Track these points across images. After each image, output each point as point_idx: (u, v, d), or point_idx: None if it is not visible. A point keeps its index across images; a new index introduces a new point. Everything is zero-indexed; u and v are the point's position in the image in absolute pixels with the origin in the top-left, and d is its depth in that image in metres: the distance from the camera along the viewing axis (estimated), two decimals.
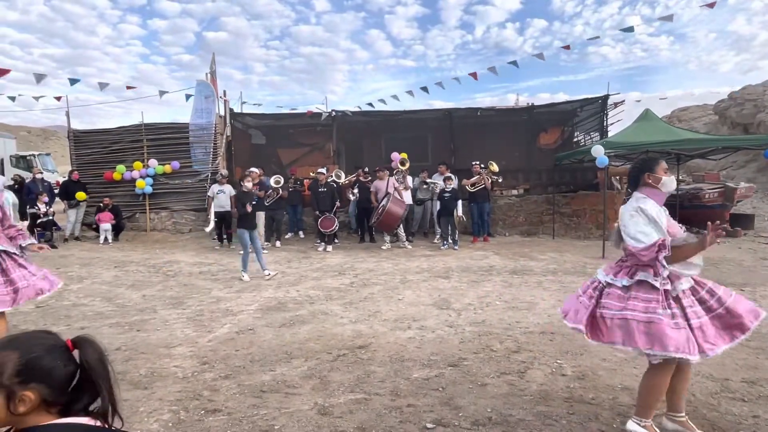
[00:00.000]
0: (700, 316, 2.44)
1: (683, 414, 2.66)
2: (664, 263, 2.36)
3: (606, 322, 2.50)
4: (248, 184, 7.59)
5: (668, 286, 2.45)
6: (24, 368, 1.07)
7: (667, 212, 2.63)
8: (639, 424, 2.55)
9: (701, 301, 2.49)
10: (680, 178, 11.23)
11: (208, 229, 10.66)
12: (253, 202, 7.40)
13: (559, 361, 3.75)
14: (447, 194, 9.87)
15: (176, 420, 2.91)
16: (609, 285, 2.59)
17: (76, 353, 1.15)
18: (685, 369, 2.60)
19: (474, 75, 12.94)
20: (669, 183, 2.64)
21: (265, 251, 9.70)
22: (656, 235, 2.43)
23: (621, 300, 2.49)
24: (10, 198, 3.90)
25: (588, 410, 2.94)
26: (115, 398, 1.16)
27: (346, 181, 11.46)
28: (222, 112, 13.05)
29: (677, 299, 2.46)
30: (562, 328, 4.55)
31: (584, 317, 2.57)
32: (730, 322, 2.45)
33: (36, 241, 4.08)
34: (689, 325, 2.39)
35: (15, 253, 3.71)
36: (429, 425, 2.78)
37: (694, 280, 2.56)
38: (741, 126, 21.06)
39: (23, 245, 3.84)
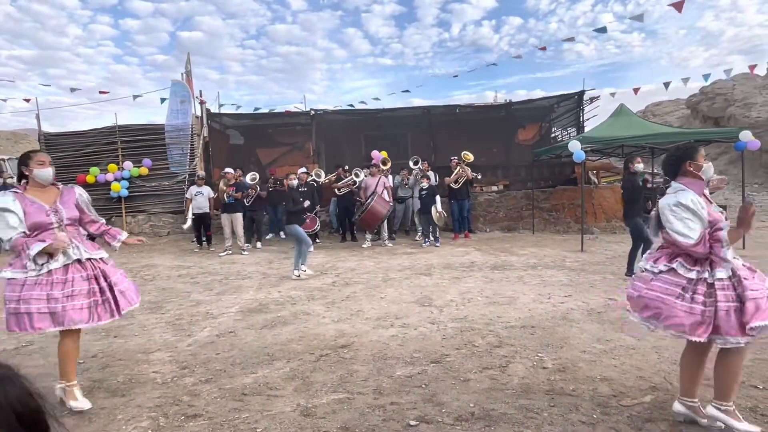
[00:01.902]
0: (730, 302, 2.41)
1: (696, 400, 2.70)
2: (724, 256, 2.41)
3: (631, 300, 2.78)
4: (294, 182, 7.67)
5: (705, 275, 2.48)
6: None
7: (708, 199, 2.67)
8: (719, 409, 2.57)
9: (734, 287, 2.46)
10: (654, 171, 11.46)
11: (185, 227, 10.50)
12: (301, 199, 7.54)
13: (539, 354, 3.79)
14: (425, 192, 9.91)
15: (155, 427, 2.85)
16: (644, 270, 2.75)
17: None
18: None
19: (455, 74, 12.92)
20: (709, 169, 2.69)
21: (245, 252, 9.62)
22: (700, 228, 2.49)
23: (646, 282, 2.69)
24: (84, 194, 3.34)
25: (569, 402, 2.98)
26: None
27: (326, 180, 11.42)
28: (198, 113, 12.87)
29: (711, 285, 2.46)
30: (542, 322, 4.61)
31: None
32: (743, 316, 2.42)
33: (126, 234, 3.56)
34: (716, 309, 2.41)
35: (101, 259, 3.22)
36: (412, 422, 2.78)
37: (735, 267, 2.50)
38: (712, 119, 21.62)
39: (121, 239, 3.41)
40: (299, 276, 7.10)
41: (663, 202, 2.64)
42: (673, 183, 2.71)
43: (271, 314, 5.21)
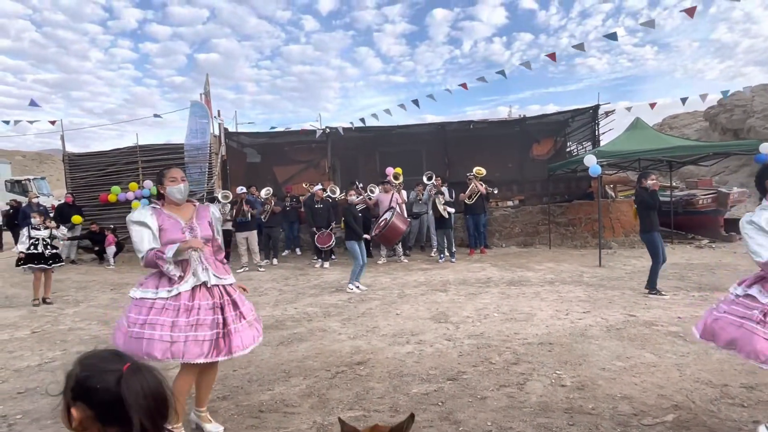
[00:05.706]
0: None
1: None
2: None
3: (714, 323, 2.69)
4: (353, 198, 7.86)
5: None
6: (76, 385, 1.10)
7: None
8: None
9: None
10: (673, 184, 11.31)
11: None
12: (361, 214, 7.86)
13: (558, 371, 3.74)
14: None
15: None
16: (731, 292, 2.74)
17: None
18: None
19: (464, 86, 12.97)
20: None
21: (261, 269, 9.70)
22: None
23: (728, 304, 2.66)
24: (217, 213, 3.13)
25: (588, 421, 2.93)
26: None
27: (342, 197, 11.49)
28: (216, 132, 13.13)
29: None
30: (560, 339, 4.55)
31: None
32: None
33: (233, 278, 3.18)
34: None
35: (231, 285, 3.00)
36: None
37: None
38: (731, 132, 21.27)
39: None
40: (352, 290, 7.15)
41: (741, 219, 2.69)
42: (763, 200, 2.73)
43: (287, 331, 5.24)
